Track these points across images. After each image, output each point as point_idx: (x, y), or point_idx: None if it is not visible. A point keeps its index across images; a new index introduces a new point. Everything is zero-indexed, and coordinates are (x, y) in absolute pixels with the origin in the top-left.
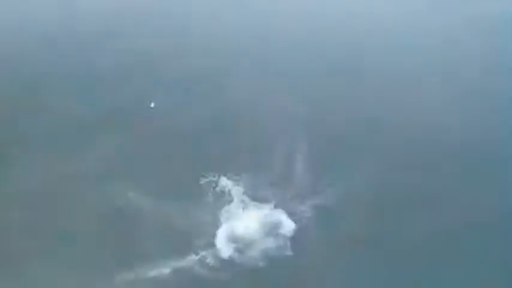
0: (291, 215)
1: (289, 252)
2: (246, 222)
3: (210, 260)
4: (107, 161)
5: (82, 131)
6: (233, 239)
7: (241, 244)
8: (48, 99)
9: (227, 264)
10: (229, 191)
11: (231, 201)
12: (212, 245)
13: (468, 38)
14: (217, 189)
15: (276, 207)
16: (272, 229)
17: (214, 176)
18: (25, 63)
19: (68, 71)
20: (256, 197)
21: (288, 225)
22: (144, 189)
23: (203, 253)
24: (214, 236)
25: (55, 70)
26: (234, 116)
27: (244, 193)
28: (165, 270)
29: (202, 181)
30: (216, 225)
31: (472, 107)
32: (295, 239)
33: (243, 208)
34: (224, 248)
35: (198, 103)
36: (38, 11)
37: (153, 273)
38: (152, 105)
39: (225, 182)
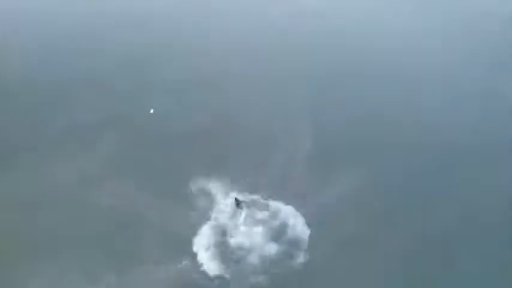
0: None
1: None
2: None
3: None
4: (106, 164)
5: (81, 136)
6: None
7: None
8: (47, 104)
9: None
10: (227, 192)
11: (231, 202)
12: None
13: (469, 38)
14: (216, 190)
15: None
16: (276, 233)
17: (209, 180)
18: (22, 68)
19: (65, 75)
20: (256, 198)
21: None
22: (144, 192)
23: (205, 255)
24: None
25: (53, 75)
26: (233, 117)
27: (242, 193)
28: (163, 275)
29: (201, 184)
30: (216, 228)
31: (472, 108)
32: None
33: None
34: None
35: (195, 106)
36: (35, 16)
37: (148, 276)
38: (152, 111)
39: (222, 185)
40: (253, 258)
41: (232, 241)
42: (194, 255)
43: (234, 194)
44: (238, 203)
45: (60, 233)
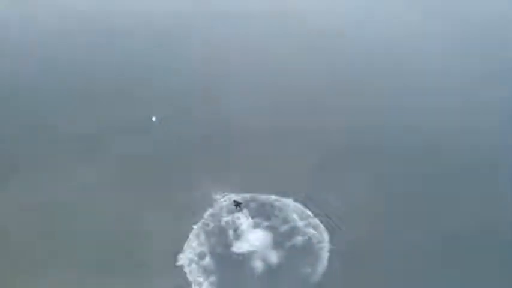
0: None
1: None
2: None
3: None
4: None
5: (82, 146)
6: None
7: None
8: (48, 115)
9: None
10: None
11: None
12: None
13: (469, 43)
14: (216, 193)
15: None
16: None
17: (209, 183)
18: (24, 79)
19: (65, 85)
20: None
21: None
22: (143, 198)
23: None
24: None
25: (53, 86)
26: (234, 122)
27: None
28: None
29: (200, 187)
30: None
31: (473, 112)
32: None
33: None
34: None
35: (196, 109)
36: (34, 27)
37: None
38: (154, 119)
39: (223, 188)
40: (255, 268)
41: (231, 248)
42: (187, 266)
43: (232, 196)
44: (237, 204)
45: (58, 237)
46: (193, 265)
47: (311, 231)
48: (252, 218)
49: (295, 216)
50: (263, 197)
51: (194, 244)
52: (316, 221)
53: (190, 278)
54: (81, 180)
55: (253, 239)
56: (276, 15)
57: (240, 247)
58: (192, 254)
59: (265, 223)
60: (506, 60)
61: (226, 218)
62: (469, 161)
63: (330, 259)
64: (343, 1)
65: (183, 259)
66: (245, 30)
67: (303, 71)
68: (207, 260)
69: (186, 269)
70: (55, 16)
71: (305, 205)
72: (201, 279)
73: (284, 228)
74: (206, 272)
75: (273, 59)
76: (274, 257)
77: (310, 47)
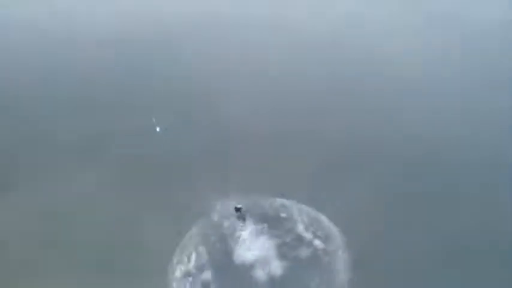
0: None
1: None
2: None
3: None
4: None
5: (83, 149)
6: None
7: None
8: (50, 122)
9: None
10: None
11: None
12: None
13: (469, 44)
14: (217, 201)
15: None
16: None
17: (211, 191)
18: (23, 86)
19: (65, 91)
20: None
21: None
22: (142, 204)
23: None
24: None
25: (53, 92)
26: (234, 128)
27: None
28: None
29: (202, 196)
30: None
31: (473, 113)
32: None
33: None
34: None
35: (197, 118)
36: (35, 34)
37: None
38: (158, 129)
39: (224, 196)
40: (257, 279)
41: (234, 257)
42: (183, 279)
43: (233, 203)
44: (237, 209)
45: (59, 237)
46: (190, 278)
47: (317, 241)
48: (254, 224)
49: (298, 217)
50: (266, 201)
51: (192, 255)
52: (319, 222)
53: None
54: (82, 182)
55: (255, 247)
56: (277, 17)
57: (241, 256)
58: (189, 265)
59: (268, 229)
60: (507, 61)
61: (226, 225)
62: (469, 161)
63: (331, 260)
64: (344, 2)
65: (179, 270)
66: (245, 32)
67: (304, 73)
68: (206, 271)
69: (183, 282)
70: (55, 22)
71: (307, 207)
72: None
73: (287, 233)
74: (204, 284)
75: (273, 61)
76: (277, 266)
77: (311, 48)
